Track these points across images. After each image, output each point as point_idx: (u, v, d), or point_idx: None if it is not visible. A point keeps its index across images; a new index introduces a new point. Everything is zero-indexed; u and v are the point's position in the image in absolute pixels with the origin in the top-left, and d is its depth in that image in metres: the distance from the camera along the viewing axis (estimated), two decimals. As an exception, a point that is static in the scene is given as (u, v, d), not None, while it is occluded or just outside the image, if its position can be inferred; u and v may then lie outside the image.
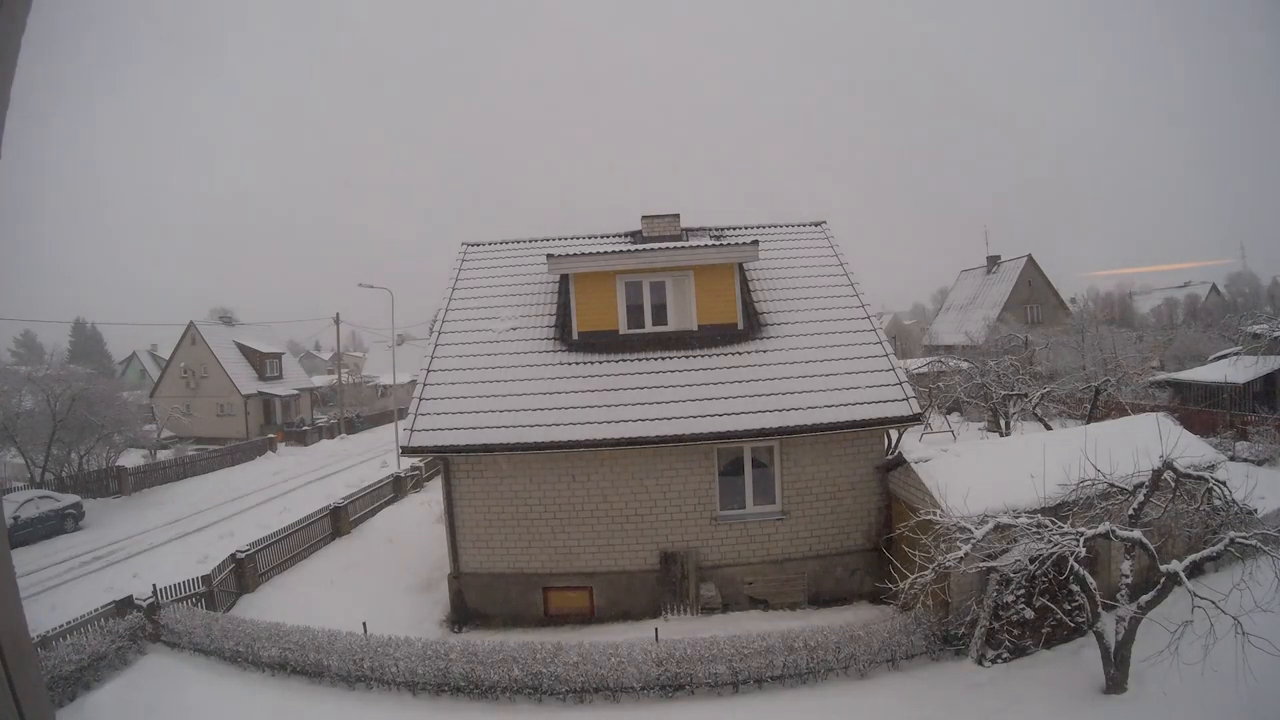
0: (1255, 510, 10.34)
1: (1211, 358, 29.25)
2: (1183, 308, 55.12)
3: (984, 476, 9.80)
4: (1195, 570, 7.87)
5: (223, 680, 10.51)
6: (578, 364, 13.14)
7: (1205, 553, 7.96)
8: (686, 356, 13.11)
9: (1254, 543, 7.62)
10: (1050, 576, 8.63)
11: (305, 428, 43.54)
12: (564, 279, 14.42)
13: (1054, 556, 7.99)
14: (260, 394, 44.86)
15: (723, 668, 9.29)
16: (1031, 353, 29.08)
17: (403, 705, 9.53)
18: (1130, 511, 8.49)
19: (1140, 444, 9.16)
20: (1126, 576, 8.22)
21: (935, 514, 9.06)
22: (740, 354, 13.13)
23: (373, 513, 20.98)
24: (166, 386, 45.13)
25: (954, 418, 26.24)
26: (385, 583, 14.45)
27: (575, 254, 13.75)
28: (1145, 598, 8.01)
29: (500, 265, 16.23)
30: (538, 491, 12.18)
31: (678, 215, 16.62)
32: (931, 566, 8.30)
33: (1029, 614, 9.34)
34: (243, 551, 14.89)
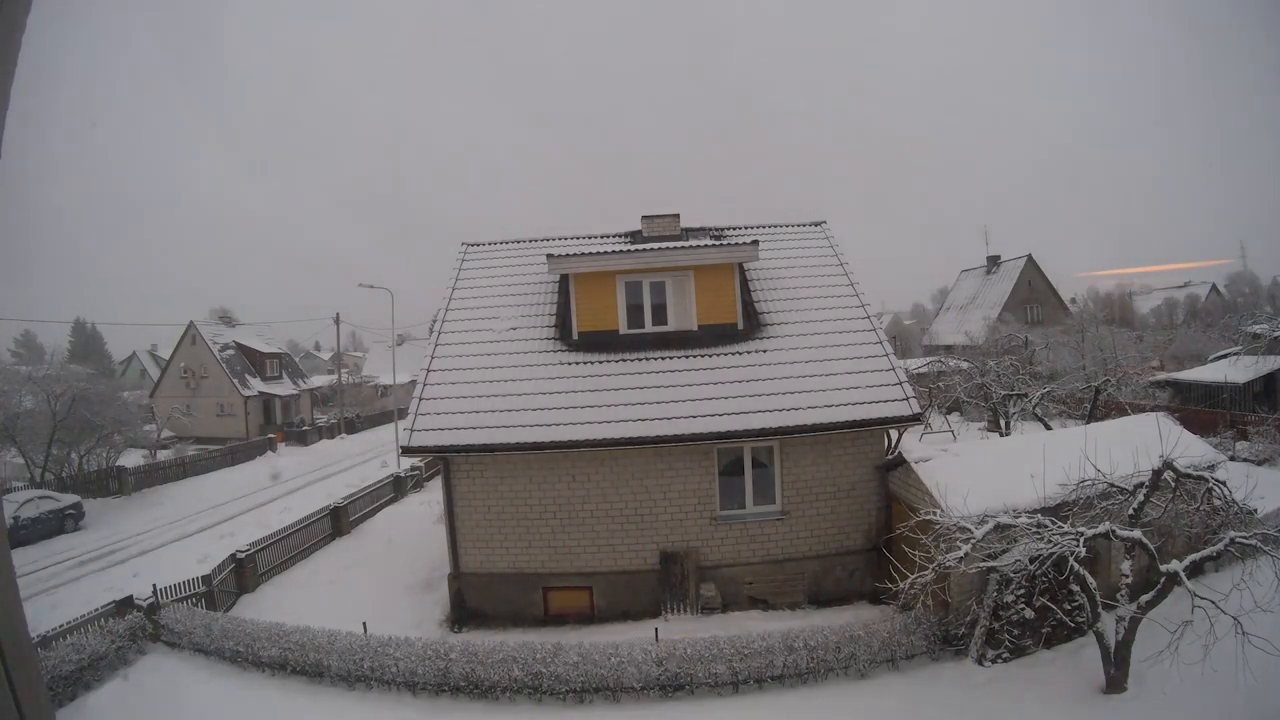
0: (1255, 510, 10.35)
1: (1211, 358, 29.23)
2: (1183, 308, 55.04)
3: (984, 476, 9.79)
4: (1195, 570, 7.87)
5: (223, 680, 10.51)
6: (578, 364, 13.14)
7: (1205, 553, 7.95)
8: (686, 356, 13.11)
9: (1254, 543, 7.61)
10: (1050, 576, 8.64)
11: (305, 428, 43.54)
12: (564, 279, 14.42)
13: (1054, 556, 7.98)
14: (260, 394, 44.86)
15: (723, 668, 9.28)
16: (1031, 353, 29.07)
17: (403, 705, 9.53)
18: (1130, 511, 8.48)
19: (1140, 444, 9.15)
20: (1126, 576, 8.22)
21: (935, 514, 9.05)
22: (740, 354, 13.12)
23: (373, 513, 20.99)
24: (166, 386, 45.11)
25: (954, 418, 26.24)
26: (385, 583, 14.45)
27: (575, 254, 13.75)
28: (1145, 598, 8.00)
29: (500, 265, 16.23)
30: (538, 491, 12.17)
31: (677, 215, 16.62)
32: (931, 566, 8.30)
33: (1029, 614, 9.34)
34: (243, 551, 14.89)
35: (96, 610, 11.55)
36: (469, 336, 14.02)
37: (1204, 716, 7.45)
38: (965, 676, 9.20)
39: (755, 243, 13.77)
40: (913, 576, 8.49)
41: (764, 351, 13.16)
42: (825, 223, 16.96)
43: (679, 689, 9.29)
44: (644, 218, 16.69)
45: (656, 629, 10.23)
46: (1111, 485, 8.87)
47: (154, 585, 12.60)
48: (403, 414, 28.16)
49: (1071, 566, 8.08)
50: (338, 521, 18.74)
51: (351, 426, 45.98)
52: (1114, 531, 8.02)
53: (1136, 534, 8.00)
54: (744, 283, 14.29)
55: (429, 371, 13.22)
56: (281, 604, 13.47)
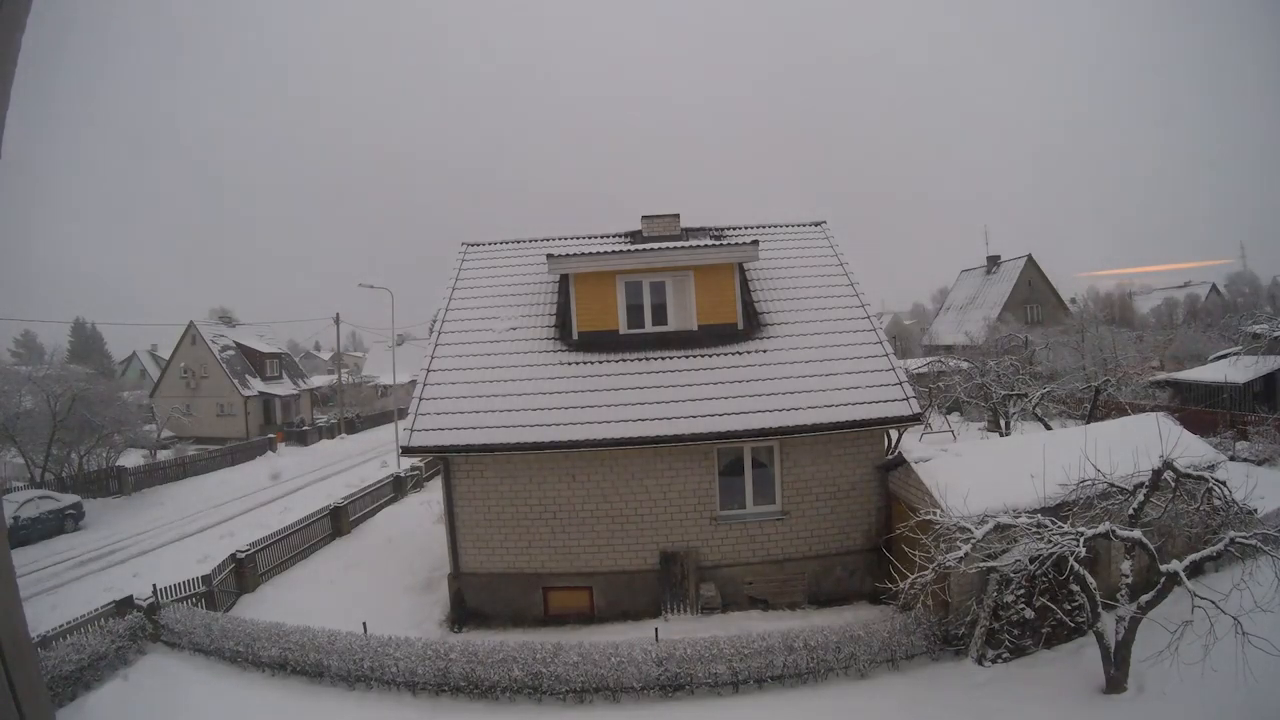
0: (1255, 510, 10.34)
1: (1211, 358, 29.22)
2: (1183, 308, 55.00)
3: (984, 476, 9.79)
4: (1195, 570, 7.86)
5: (223, 680, 10.51)
6: (578, 364, 13.14)
7: (1205, 553, 7.95)
8: (686, 356, 13.11)
9: (1254, 543, 7.61)
10: (1050, 576, 8.63)
11: (305, 428, 43.54)
12: (564, 279, 14.42)
13: (1054, 556, 7.98)
14: (260, 394, 44.87)
15: (723, 668, 9.28)
16: (1031, 353, 29.06)
17: (403, 705, 9.53)
18: (1130, 511, 8.48)
19: (1140, 444, 9.15)
20: (1126, 576, 8.22)
21: (935, 514, 9.05)
22: (740, 354, 13.12)
23: (373, 513, 20.99)
24: (166, 386, 45.13)
25: (954, 418, 26.24)
26: (385, 583, 14.45)
27: (575, 254, 13.75)
28: (1145, 598, 8.00)
29: (500, 265, 16.23)
30: (538, 491, 12.17)
31: (677, 215, 16.62)
32: (931, 566, 8.30)
33: (1029, 614, 9.34)
34: (242, 551, 14.90)
35: (96, 610, 11.54)
36: (469, 336, 14.02)
37: (1204, 716, 7.44)
38: (965, 676, 9.19)
39: (755, 243, 13.77)
40: (913, 576, 8.48)
41: (764, 351, 13.16)
42: (825, 223, 16.96)
43: (679, 689, 9.29)
44: (644, 218, 16.69)
45: (656, 629, 10.23)
46: (1111, 485, 8.87)
47: (154, 585, 12.60)
48: (403, 414, 28.17)
49: (1071, 566, 8.08)
50: (338, 521, 18.74)
51: (351, 426, 45.99)
52: (1114, 531, 8.02)
53: (1136, 534, 8.00)
54: (744, 283, 14.29)
55: (429, 371, 13.22)
56: (281, 604, 13.47)
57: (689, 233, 16.43)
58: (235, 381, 43.40)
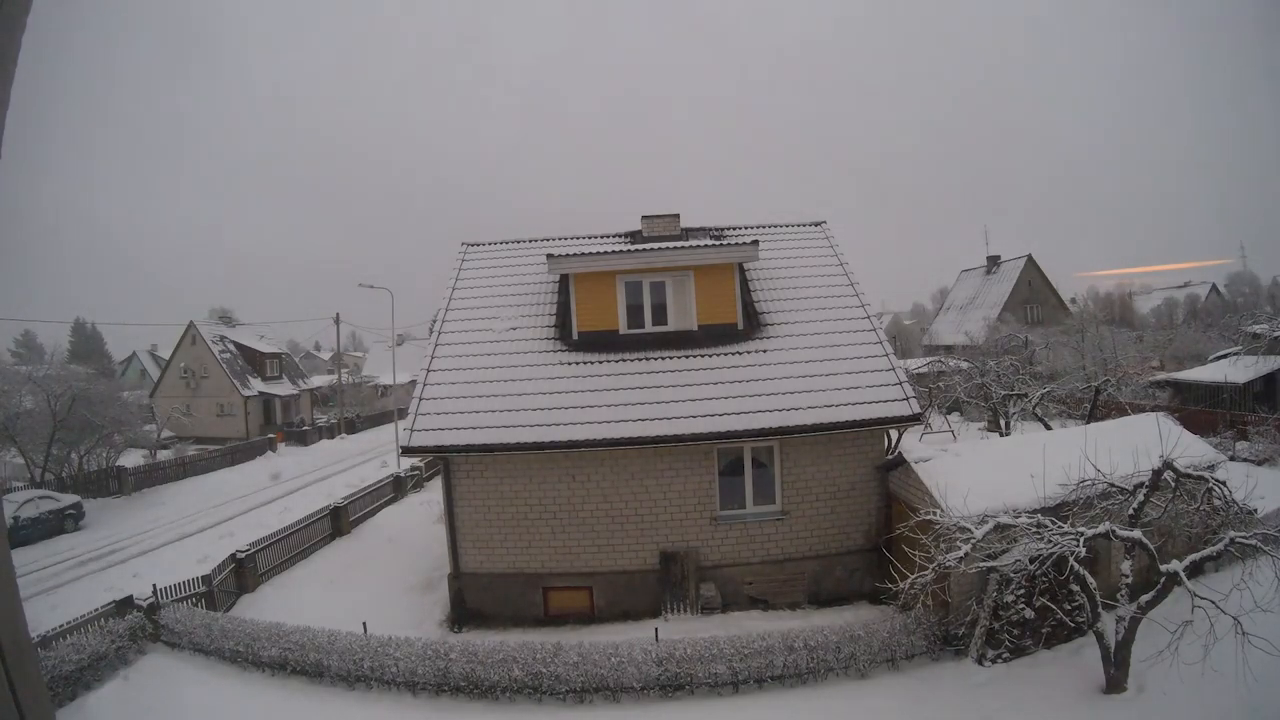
0: (1255, 510, 10.34)
1: (1211, 358, 29.23)
2: (1183, 308, 55.00)
3: (984, 476, 9.79)
4: (1195, 570, 7.87)
5: (223, 680, 10.51)
6: (578, 364, 13.14)
7: (1205, 553, 7.95)
8: (686, 356, 13.10)
9: (1254, 543, 7.61)
10: (1050, 576, 8.63)
11: (305, 428, 43.54)
12: (564, 279, 14.42)
13: (1054, 556, 7.98)
14: (260, 394, 44.86)
15: (723, 668, 9.29)
16: (1031, 353, 29.08)
17: (403, 705, 9.53)
18: (1130, 511, 8.48)
19: (1140, 444, 9.15)
20: (1126, 576, 8.22)
21: (935, 514, 9.05)
22: (740, 354, 13.12)
23: (373, 513, 20.99)
24: (166, 386, 45.12)
25: (954, 418, 26.23)
26: (385, 583, 14.45)
27: (575, 254, 13.75)
28: (1145, 598, 8.00)
29: (500, 265, 16.23)
30: (538, 491, 12.17)
31: (677, 215, 16.62)
32: (931, 566, 8.30)
33: (1029, 614, 9.34)
34: (242, 551, 14.89)
35: (96, 610, 11.53)
36: (469, 336, 14.02)
37: (1204, 716, 7.44)
38: (965, 676, 9.19)
39: (755, 243, 13.77)
40: (913, 576, 8.48)
41: (764, 351, 13.15)
42: (825, 223, 16.97)
43: (679, 689, 9.29)
44: (644, 218, 16.70)
45: (656, 629, 10.23)
46: (1111, 485, 8.86)
47: (154, 585, 12.59)
48: (403, 414, 28.17)
49: (1071, 566, 8.08)
50: (338, 521, 18.73)
51: (351, 426, 45.99)
52: (1114, 531, 8.02)
53: (1136, 534, 8.00)
54: (744, 283, 14.29)
55: (429, 371, 13.21)
56: (281, 604, 13.47)
57: (689, 233, 16.43)
58: (235, 381, 43.39)
